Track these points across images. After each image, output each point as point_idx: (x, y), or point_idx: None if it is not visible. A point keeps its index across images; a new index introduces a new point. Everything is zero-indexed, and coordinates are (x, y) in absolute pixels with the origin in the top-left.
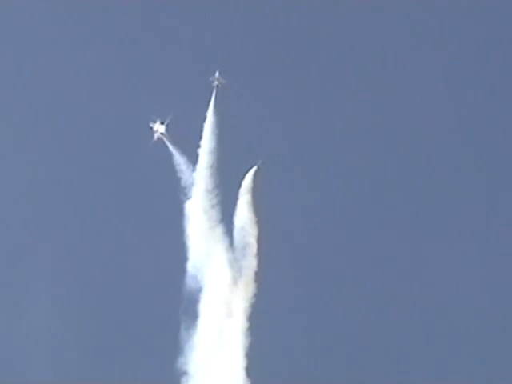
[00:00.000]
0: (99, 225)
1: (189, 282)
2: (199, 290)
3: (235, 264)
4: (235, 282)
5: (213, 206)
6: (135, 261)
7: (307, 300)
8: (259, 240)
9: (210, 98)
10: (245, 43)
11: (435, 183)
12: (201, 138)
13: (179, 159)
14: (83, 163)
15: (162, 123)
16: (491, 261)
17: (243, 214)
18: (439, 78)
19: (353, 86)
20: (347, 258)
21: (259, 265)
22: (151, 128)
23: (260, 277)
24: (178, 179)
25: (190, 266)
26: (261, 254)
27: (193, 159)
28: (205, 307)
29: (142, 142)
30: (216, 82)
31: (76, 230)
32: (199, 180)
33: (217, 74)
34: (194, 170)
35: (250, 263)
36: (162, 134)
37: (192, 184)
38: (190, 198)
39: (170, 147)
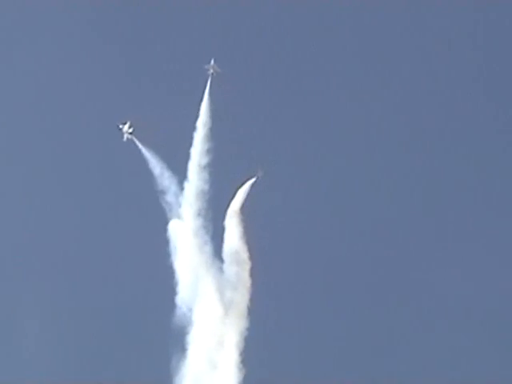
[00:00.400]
0: (74, 253)
1: (178, 316)
2: (189, 324)
3: (226, 296)
4: (226, 314)
5: (203, 228)
6: (120, 293)
7: (301, 332)
8: (252, 270)
9: (205, 88)
10: (241, 32)
11: (432, 202)
12: (194, 130)
13: (153, 162)
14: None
15: (130, 126)
16: (491, 261)
17: (233, 241)
18: (434, 82)
19: (354, 73)
20: (344, 291)
21: (252, 297)
22: (120, 129)
23: (253, 309)
24: (159, 193)
25: (179, 299)
26: (253, 284)
27: (184, 160)
28: (195, 340)
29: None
30: (211, 71)
31: (51, 259)
32: (188, 195)
33: (212, 62)
34: (172, 175)
35: (243, 295)
36: (130, 133)
37: (174, 194)
38: (175, 215)
39: (142, 148)
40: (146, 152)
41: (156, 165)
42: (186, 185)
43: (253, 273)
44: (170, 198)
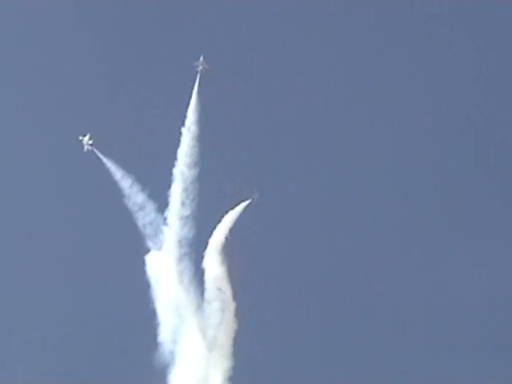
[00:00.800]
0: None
1: (160, 356)
2: (171, 364)
3: (209, 334)
4: (210, 353)
5: (185, 259)
6: (99, 331)
7: (287, 370)
8: (236, 310)
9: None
10: (231, 27)
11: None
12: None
13: (118, 174)
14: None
15: (90, 138)
16: (491, 261)
17: (216, 276)
18: (433, 84)
19: (352, 72)
20: (332, 329)
21: (236, 337)
22: (80, 140)
23: (237, 347)
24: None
25: (161, 338)
26: (238, 320)
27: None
28: (178, 380)
29: None
30: (200, 67)
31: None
32: (170, 225)
33: (201, 58)
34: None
35: (227, 333)
36: (91, 145)
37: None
38: (152, 242)
39: (104, 159)
40: (108, 163)
41: (123, 180)
42: (168, 208)
43: (237, 312)
44: (142, 215)
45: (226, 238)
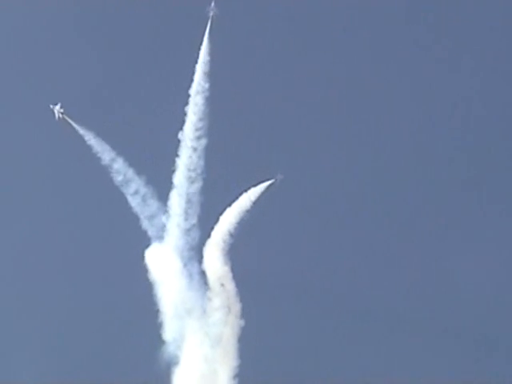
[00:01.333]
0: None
1: (164, 355)
2: (176, 362)
3: (214, 332)
4: (214, 351)
5: (189, 256)
6: (104, 329)
7: (292, 369)
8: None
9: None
10: None
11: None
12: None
13: (92, 142)
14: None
15: (61, 107)
16: (491, 260)
17: (220, 274)
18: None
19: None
20: (337, 330)
21: (241, 334)
22: (51, 109)
23: (242, 345)
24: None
25: (165, 337)
26: (243, 318)
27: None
28: (182, 379)
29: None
30: (211, 13)
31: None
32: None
33: (212, 3)
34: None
35: (231, 331)
36: (62, 113)
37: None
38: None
39: (76, 127)
40: (80, 130)
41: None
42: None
43: (242, 310)
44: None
45: (229, 235)
